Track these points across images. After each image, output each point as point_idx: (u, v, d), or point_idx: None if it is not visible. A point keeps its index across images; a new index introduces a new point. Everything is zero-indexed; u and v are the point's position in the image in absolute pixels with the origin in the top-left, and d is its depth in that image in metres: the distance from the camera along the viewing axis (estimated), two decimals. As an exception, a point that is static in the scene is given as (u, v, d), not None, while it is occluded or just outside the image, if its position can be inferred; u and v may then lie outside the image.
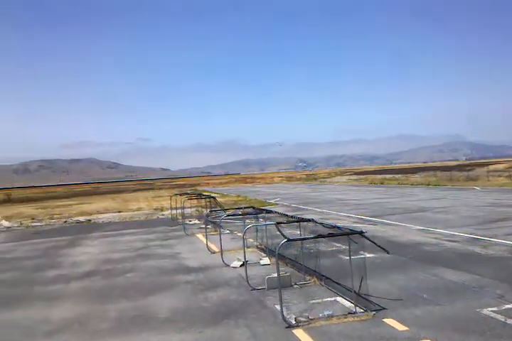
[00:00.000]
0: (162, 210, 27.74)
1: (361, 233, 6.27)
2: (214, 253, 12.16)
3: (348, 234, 6.34)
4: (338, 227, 6.78)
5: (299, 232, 9.39)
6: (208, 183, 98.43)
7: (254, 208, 12.87)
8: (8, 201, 55.44)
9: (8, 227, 22.50)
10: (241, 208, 13.30)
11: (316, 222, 7.55)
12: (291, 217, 9.15)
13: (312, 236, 5.83)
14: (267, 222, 10.02)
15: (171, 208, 23.46)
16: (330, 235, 6.05)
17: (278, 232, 6.72)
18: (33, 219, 26.29)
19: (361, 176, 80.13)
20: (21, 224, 23.74)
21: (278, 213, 10.53)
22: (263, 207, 22.48)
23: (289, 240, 5.94)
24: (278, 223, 7.36)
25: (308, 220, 7.88)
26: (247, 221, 13.66)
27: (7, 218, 26.76)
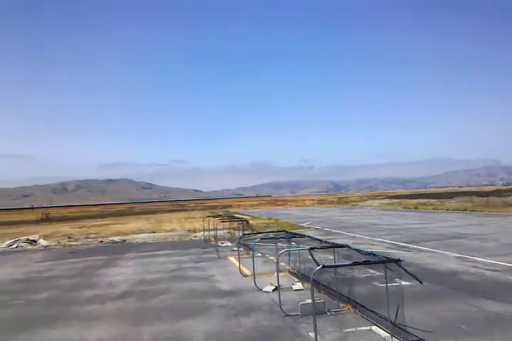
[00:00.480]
0: (195, 232, 27.98)
1: (398, 261, 6.17)
2: (246, 276, 12.15)
3: (384, 262, 6.25)
4: (374, 254, 6.70)
5: (332, 257, 9.30)
6: (240, 205, 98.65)
7: (286, 232, 12.85)
8: (47, 220, 57.18)
9: (46, 246, 23.16)
10: (274, 232, 13.31)
11: (351, 248, 7.48)
12: (325, 242, 9.08)
13: (348, 263, 5.77)
14: (301, 246, 9.97)
15: (204, 230, 23.65)
16: (366, 262, 5.97)
17: (311, 257, 6.70)
18: (70, 238, 27.01)
19: (394, 200, 78.55)
20: (59, 243, 24.40)
21: (311, 237, 10.47)
22: (295, 231, 22.32)
23: (324, 267, 5.91)
24: (312, 248, 7.32)
25: (343, 246, 7.81)
26: (280, 244, 13.64)
27: (45, 237, 27.56)
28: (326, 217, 39.55)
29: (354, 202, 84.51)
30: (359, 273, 11.05)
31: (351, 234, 22.73)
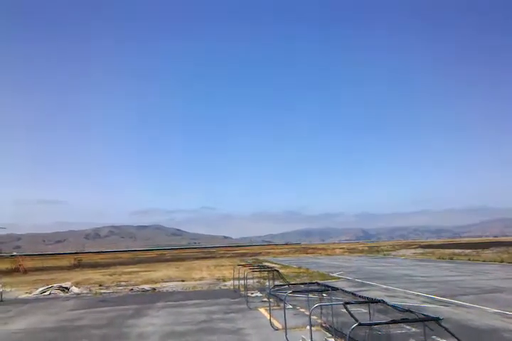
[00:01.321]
0: (224, 280, 27.63)
1: (437, 320, 5.94)
2: (277, 330, 11.83)
3: (423, 321, 6.04)
4: (411, 311, 6.48)
5: (364, 310, 9.02)
6: (269, 253, 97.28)
7: (318, 284, 12.58)
8: (78, 266, 57.74)
9: (78, 294, 23.29)
10: (305, 283, 13.07)
11: (387, 304, 7.25)
12: (360, 296, 8.85)
13: (385, 321, 5.60)
14: (334, 301, 9.74)
15: (233, 279, 23.35)
16: (404, 321, 5.78)
17: (344, 310, 6.52)
18: (100, 285, 27.10)
19: (427, 250, 75.98)
20: (90, 290, 24.51)
21: (344, 291, 10.21)
22: (326, 281, 21.76)
23: (360, 324, 5.76)
24: (346, 303, 7.15)
25: (378, 301, 7.58)
26: (311, 295, 13.32)
27: (77, 284, 27.77)
28: (357, 267, 38.41)
29: (386, 251, 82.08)
30: (395, 328, 10.61)
31: (384, 286, 21.94)
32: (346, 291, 10.25)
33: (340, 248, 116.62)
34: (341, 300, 12.45)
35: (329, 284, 12.65)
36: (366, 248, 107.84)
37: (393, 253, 72.39)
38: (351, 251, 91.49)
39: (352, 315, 6.27)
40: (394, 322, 5.74)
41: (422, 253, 64.52)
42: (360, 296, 8.87)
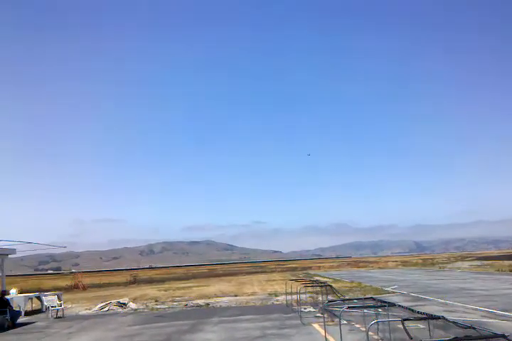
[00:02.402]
0: (276, 295, 27.49)
1: (504, 337, 5.64)
2: (334, 346, 11.61)
3: (488, 338, 5.75)
4: (473, 328, 6.20)
5: (422, 326, 8.68)
6: (319, 267, 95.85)
7: (373, 299, 12.28)
8: (134, 282, 59.37)
9: (135, 309, 23.91)
10: (360, 298, 12.79)
11: (448, 321, 6.97)
12: (418, 312, 8.57)
13: (448, 338, 5.36)
14: (391, 316, 9.46)
15: (286, 294, 23.19)
16: (467, 338, 5.51)
17: (401, 326, 6.34)
18: (156, 301, 27.72)
19: (485, 262, 72.12)
20: (147, 306, 25.11)
21: (401, 306, 9.91)
22: (380, 296, 21.17)
23: (420, 342, 5.57)
24: (405, 319, 6.94)
25: (438, 317, 7.29)
26: (366, 311, 12.99)
27: (134, 300, 28.54)
28: (411, 281, 37.04)
29: (441, 263, 78.72)
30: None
31: (441, 301, 21.02)
32: (403, 306, 9.94)
33: (393, 261, 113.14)
34: (398, 316, 12.09)
35: (384, 299, 12.32)
36: (420, 260, 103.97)
37: (449, 265, 69.32)
38: (404, 264, 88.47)
39: (408, 333, 6.08)
40: (458, 339, 5.50)
41: (479, 266, 61.38)
42: (418, 312, 8.59)
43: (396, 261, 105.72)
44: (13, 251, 22.73)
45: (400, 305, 10.23)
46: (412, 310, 8.91)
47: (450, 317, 8.56)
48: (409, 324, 9.96)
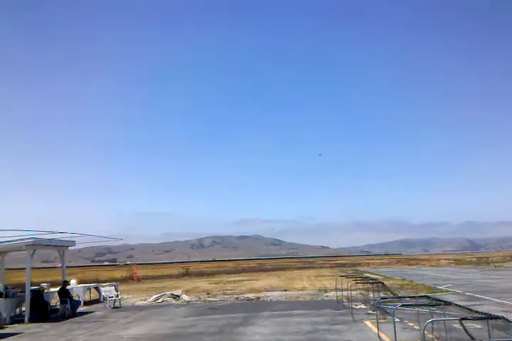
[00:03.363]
0: (326, 291, 27.39)
1: None
2: (387, 344, 11.51)
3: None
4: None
5: (478, 326, 8.43)
6: (368, 263, 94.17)
7: (428, 297, 12.02)
8: (186, 274, 61.00)
9: (188, 301, 24.63)
10: (413, 296, 12.57)
11: (509, 321, 6.74)
12: (476, 311, 8.33)
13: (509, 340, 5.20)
14: (446, 315, 9.26)
15: (336, 289, 23.07)
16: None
17: (457, 325, 6.21)
18: (208, 294, 28.40)
19: (544, 260, 67.99)
20: (199, 298, 25.80)
21: (458, 305, 9.66)
22: (433, 294, 20.61)
23: (479, 343, 5.46)
24: (462, 319, 6.79)
25: (498, 317, 7.07)
26: (419, 309, 12.74)
27: (187, 292, 29.37)
28: (466, 280, 35.68)
29: (496, 262, 75.15)
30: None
31: (498, 300, 20.17)
32: (460, 306, 9.68)
33: (445, 259, 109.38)
34: (454, 315, 11.79)
35: (437, 297, 12.02)
36: (474, 259, 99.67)
37: (505, 264, 66.11)
38: (457, 262, 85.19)
39: (468, 333, 5.96)
40: (519, 340, 5.33)
41: (538, 264, 58.09)
42: (476, 311, 8.36)
43: (448, 259, 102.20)
44: (73, 243, 23.83)
45: (456, 304, 9.97)
46: (470, 310, 8.67)
47: (508, 317, 8.29)
48: (465, 324, 9.68)
